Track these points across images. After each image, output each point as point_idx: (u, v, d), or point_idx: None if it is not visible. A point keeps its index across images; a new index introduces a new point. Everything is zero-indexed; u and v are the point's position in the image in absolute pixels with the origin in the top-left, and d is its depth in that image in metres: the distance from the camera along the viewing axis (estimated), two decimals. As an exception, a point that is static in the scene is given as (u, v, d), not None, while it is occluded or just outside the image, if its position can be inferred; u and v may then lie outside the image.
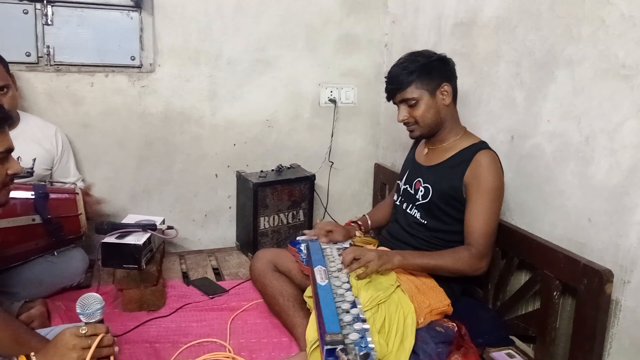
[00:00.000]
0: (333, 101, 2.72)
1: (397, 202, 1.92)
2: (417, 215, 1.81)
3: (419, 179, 1.83)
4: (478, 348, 1.63)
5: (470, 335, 1.65)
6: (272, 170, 2.54)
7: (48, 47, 2.35)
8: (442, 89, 1.72)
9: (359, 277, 1.55)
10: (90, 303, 1.14)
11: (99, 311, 1.15)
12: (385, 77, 1.79)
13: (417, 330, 1.55)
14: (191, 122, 2.52)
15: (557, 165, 1.67)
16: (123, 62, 2.45)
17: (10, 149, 1.16)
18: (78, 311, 1.15)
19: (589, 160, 1.55)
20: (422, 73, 1.70)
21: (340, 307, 1.35)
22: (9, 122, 1.15)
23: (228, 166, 2.61)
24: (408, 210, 1.85)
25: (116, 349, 1.17)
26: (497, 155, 1.69)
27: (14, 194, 1.79)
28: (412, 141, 2.02)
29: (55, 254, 1.94)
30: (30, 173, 2.04)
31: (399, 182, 1.97)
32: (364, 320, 1.33)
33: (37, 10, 2.31)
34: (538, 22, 1.72)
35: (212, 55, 2.50)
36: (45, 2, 2.32)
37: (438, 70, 1.73)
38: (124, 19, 2.44)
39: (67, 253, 1.98)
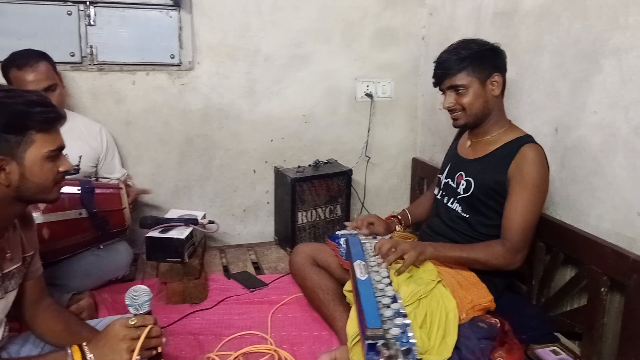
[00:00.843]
0: (370, 95, 2.71)
1: (438, 196, 1.90)
2: (459, 209, 1.78)
3: (461, 172, 1.80)
4: (522, 344, 1.60)
5: (514, 331, 1.62)
6: (310, 165, 2.56)
7: (91, 47, 2.42)
8: (492, 79, 1.69)
9: (398, 272, 1.54)
10: (139, 295, 1.17)
11: (147, 303, 1.18)
12: (434, 62, 1.76)
13: (460, 325, 1.53)
14: (230, 119, 2.56)
15: (604, 157, 1.62)
16: (163, 60, 2.50)
17: (62, 147, 1.20)
18: (127, 303, 1.18)
19: (638, 151, 1.50)
20: (475, 60, 1.67)
21: (380, 301, 1.35)
22: (62, 121, 1.18)
23: (266, 162, 2.63)
24: (449, 204, 1.82)
25: (164, 339, 1.20)
26: (542, 150, 1.65)
27: (62, 189, 1.87)
28: (451, 135, 1.99)
29: (102, 247, 2.00)
30: (76, 170, 2.11)
31: (439, 175, 1.94)
32: (404, 315, 1.32)
33: (80, 12, 2.38)
34: (583, 10, 1.67)
35: (250, 52, 2.52)
36: (87, 3, 2.38)
37: (490, 60, 1.69)
38: (164, 18, 2.48)
39: (112, 246, 2.04)
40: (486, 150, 1.75)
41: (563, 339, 1.70)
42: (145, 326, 1.14)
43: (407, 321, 1.29)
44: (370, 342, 1.16)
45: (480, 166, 1.74)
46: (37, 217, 1.77)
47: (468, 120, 1.74)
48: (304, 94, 2.63)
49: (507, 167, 1.65)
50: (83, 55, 2.41)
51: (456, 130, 1.96)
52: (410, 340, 1.22)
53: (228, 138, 2.57)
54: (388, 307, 1.33)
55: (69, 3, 2.37)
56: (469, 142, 1.84)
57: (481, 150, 1.77)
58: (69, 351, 1.11)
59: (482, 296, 1.66)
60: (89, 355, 1.12)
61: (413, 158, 2.82)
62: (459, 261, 1.65)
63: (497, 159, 1.70)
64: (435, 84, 1.77)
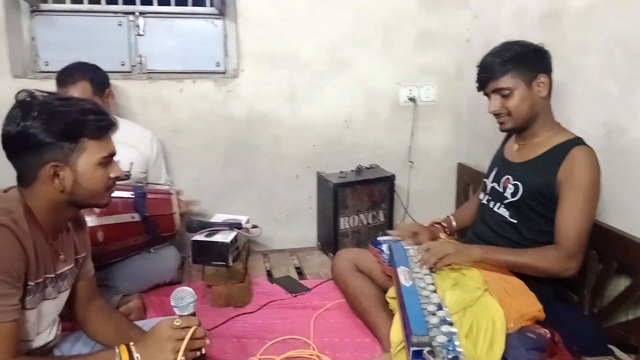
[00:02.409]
0: (412, 100, 2.68)
1: (484, 201, 1.86)
2: (506, 214, 1.74)
3: (508, 176, 1.76)
4: (573, 356, 1.55)
5: (565, 342, 1.56)
6: (352, 170, 2.55)
7: (140, 56, 2.51)
8: (538, 80, 1.64)
9: (433, 268, 1.53)
10: (184, 296, 1.20)
11: (191, 304, 1.21)
12: (477, 66, 1.73)
13: (507, 335, 1.49)
14: (272, 125, 2.59)
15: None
16: (208, 68, 2.57)
17: (113, 154, 1.25)
18: (172, 304, 1.20)
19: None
20: (519, 62, 1.63)
21: (426, 309, 1.33)
22: (113, 128, 1.23)
23: (308, 167, 2.65)
24: (496, 209, 1.78)
25: (207, 341, 1.22)
26: (593, 152, 1.59)
27: (116, 193, 1.91)
28: (497, 139, 1.95)
29: (151, 250, 2.07)
30: (127, 176, 2.19)
31: (485, 180, 1.90)
32: (450, 324, 1.30)
33: (130, 22, 2.47)
34: (630, 9, 1.61)
35: (291, 58, 2.54)
36: (137, 13, 2.48)
37: (535, 61, 1.66)
38: (209, 27, 2.55)
39: (161, 251, 2.11)
40: (534, 153, 1.71)
41: (617, 352, 1.63)
42: (189, 327, 1.16)
43: (453, 329, 1.28)
44: (415, 349, 1.15)
45: (528, 170, 1.70)
46: (92, 219, 1.85)
47: (515, 124, 1.70)
48: (345, 98, 2.64)
49: (557, 171, 1.60)
50: (132, 64, 2.51)
51: (503, 134, 1.92)
52: (457, 349, 1.20)
53: (270, 144, 2.60)
54: (434, 314, 1.31)
55: (120, 14, 2.47)
56: (516, 146, 1.80)
57: (529, 153, 1.73)
58: (117, 350, 1.15)
59: (531, 305, 1.61)
60: (136, 355, 1.15)
61: (458, 163, 2.78)
62: (509, 265, 1.61)
63: (545, 162, 1.65)
64: (479, 88, 1.74)
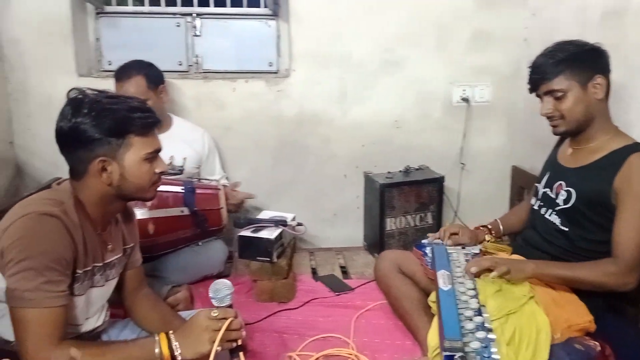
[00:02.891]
0: (466, 100, 2.62)
1: (535, 207, 1.79)
2: (557, 221, 1.67)
3: (561, 182, 1.69)
4: (626, 372, 1.47)
5: (617, 357, 1.49)
6: (400, 171, 2.53)
7: (196, 56, 2.60)
8: (594, 82, 1.56)
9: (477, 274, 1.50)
10: (221, 288, 1.23)
11: (228, 296, 1.24)
12: (529, 67, 1.67)
13: (553, 346, 1.43)
14: (322, 124, 2.61)
15: None
16: (261, 68, 2.62)
17: (159, 150, 1.30)
18: (210, 295, 1.24)
19: None
20: (573, 63, 1.56)
21: (463, 313, 1.30)
22: (158, 125, 1.29)
23: (356, 167, 2.65)
24: (547, 216, 1.71)
25: (243, 333, 1.25)
26: None
27: (167, 188, 2.02)
28: (554, 142, 1.87)
29: (200, 243, 2.14)
30: (180, 171, 2.28)
31: (537, 185, 1.83)
32: (489, 330, 1.27)
33: (187, 23, 2.57)
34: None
35: (342, 58, 2.55)
36: (194, 15, 2.57)
37: (591, 61, 1.57)
38: (263, 28, 2.61)
39: (209, 244, 2.17)
40: (589, 158, 1.62)
41: (675, 370, 1.52)
42: (226, 318, 1.20)
43: (491, 336, 1.24)
44: (448, 354, 1.12)
45: (582, 176, 1.62)
46: (144, 212, 1.94)
47: (568, 128, 1.62)
48: (396, 98, 2.62)
49: (613, 178, 1.52)
50: (189, 64, 2.61)
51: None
52: (493, 357, 1.17)
53: (320, 143, 2.63)
54: (470, 319, 1.28)
55: (178, 16, 2.57)
56: (570, 150, 1.72)
57: (584, 158, 1.64)
58: (156, 338, 1.20)
59: (580, 316, 1.54)
60: (175, 343, 1.19)
61: (513, 166, 2.69)
62: (564, 280, 1.54)
63: (601, 168, 1.57)
64: (531, 90, 1.67)
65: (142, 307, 1.46)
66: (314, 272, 2.35)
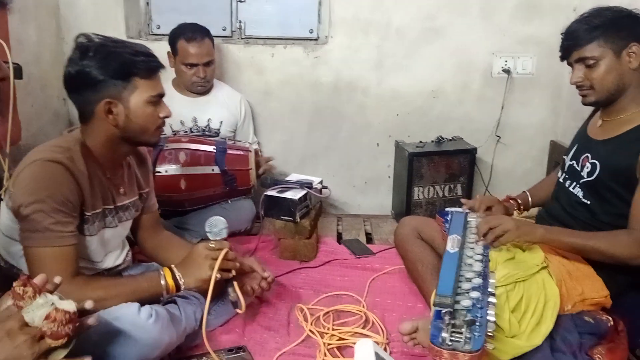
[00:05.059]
0: (507, 71, 2.55)
1: (561, 179, 1.75)
2: (580, 194, 1.62)
3: (588, 154, 1.63)
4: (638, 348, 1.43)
5: (631, 334, 1.45)
6: (432, 141, 2.51)
7: (240, 22, 2.66)
8: (630, 50, 1.48)
9: (493, 246, 1.48)
10: (217, 223, 1.36)
11: (223, 230, 1.36)
12: (561, 33, 1.61)
13: (562, 316, 1.43)
14: (358, 92, 2.62)
15: None
16: (302, 34, 2.65)
17: (162, 94, 1.36)
18: (206, 230, 1.37)
19: None
20: (608, 29, 1.49)
21: (464, 275, 1.31)
22: (161, 69, 1.35)
23: (390, 136, 2.65)
24: (571, 189, 1.67)
25: (237, 264, 1.37)
26: None
27: (200, 147, 2.13)
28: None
29: (229, 202, 2.24)
30: (217, 133, 2.38)
31: (565, 157, 1.78)
32: (492, 294, 1.27)
33: (232, -12, 2.62)
34: None
35: (382, 25, 2.53)
36: (240, -19, 2.61)
37: (628, 28, 1.49)
38: (306, -6, 2.61)
39: (238, 202, 2.26)
40: (618, 130, 1.56)
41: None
42: (222, 249, 1.32)
43: (492, 299, 1.24)
44: (437, 308, 1.15)
45: (609, 148, 1.56)
46: (176, 169, 2.06)
47: (599, 98, 1.56)
48: (435, 68, 2.58)
49: (639, 151, 1.46)
50: (233, 29, 2.67)
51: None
52: (488, 317, 1.18)
53: (355, 111, 2.64)
54: (469, 280, 1.29)
55: (223, -20, 2.62)
56: (600, 122, 1.65)
57: (613, 130, 1.58)
58: (161, 272, 1.31)
59: (596, 290, 1.51)
60: (178, 274, 1.31)
61: (551, 141, 2.60)
62: (575, 248, 1.51)
63: (629, 140, 1.51)
64: (562, 57, 1.61)
65: (164, 248, 1.56)
66: (339, 236, 2.40)
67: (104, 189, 1.36)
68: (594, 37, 1.50)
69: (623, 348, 1.39)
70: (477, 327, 1.10)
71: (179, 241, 1.63)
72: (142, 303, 1.26)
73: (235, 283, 1.40)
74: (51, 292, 0.94)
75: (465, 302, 1.17)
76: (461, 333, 1.09)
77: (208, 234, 1.36)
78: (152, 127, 1.36)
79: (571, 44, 1.56)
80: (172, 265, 1.33)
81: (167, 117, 1.38)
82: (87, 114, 1.31)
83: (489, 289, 1.29)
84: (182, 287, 1.32)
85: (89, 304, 0.96)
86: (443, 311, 1.12)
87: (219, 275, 1.31)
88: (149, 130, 1.35)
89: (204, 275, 1.31)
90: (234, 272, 1.37)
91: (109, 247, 1.43)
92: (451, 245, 1.48)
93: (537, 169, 2.67)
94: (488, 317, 1.18)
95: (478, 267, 1.37)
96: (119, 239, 1.47)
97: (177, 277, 1.31)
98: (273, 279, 1.60)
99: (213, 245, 1.33)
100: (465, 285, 1.26)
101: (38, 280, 0.94)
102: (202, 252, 1.32)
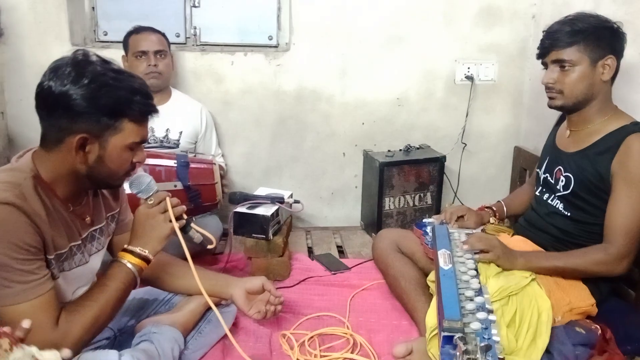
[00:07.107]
0: (470, 78, 2.56)
1: (537, 192, 1.75)
2: (560, 206, 1.63)
3: (560, 167, 1.64)
4: (626, 356, 1.43)
5: (618, 340, 1.46)
6: (400, 150, 2.47)
7: (195, 28, 2.52)
8: (605, 61, 1.50)
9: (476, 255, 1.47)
10: (140, 179, 1.26)
11: (152, 183, 1.27)
12: (543, 31, 1.60)
13: (554, 328, 1.41)
14: (322, 101, 2.54)
15: None
16: (261, 41, 2.54)
17: (144, 140, 1.20)
18: (134, 192, 1.27)
19: None
20: (590, 36, 1.49)
21: (463, 294, 1.26)
22: (154, 115, 1.19)
23: (356, 145, 2.59)
24: (550, 201, 1.67)
25: (184, 206, 1.31)
26: None
27: (160, 161, 1.97)
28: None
29: (194, 219, 2.08)
30: (176, 145, 2.23)
31: (537, 170, 1.79)
32: (490, 311, 1.23)
33: (186, -7, 2.48)
34: None
35: (344, 33, 2.47)
36: (193, -16, 2.48)
37: (608, 39, 1.51)
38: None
39: (204, 219, 2.13)
40: (587, 141, 1.57)
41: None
42: (163, 199, 1.26)
43: (492, 317, 1.20)
44: (447, 334, 1.08)
45: (579, 161, 1.57)
46: (135, 187, 1.89)
47: (565, 103, 1.56)
48: (399, 76, 2.54)
49: (611, 161, 1.48)
50: (187, 36, 2.53)
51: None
52: (494, 338, 1.13)
53: (319, 120, 2.56)
54: (471, 300, 1.24)
55: (176, -16, 2.48)
56: (568, 132, 1.66)
57: (581, 141, 1.59)
58: (122, 260, 1.23)
59: (583, 299, 1.52)
60: (138, 248, 1.23)
61: (515, 146, 2.62)
62: (555, 271, 1.52)
63: (598, 151, 1.52)
64: (539, 56, 1.60)
65: (152, 267, 1.34)
66: (310, 251, 2.31)
67: (68, 225, 1.17)
68: (574, 42, 1.50)
69: (620, 358, 1.39)
70: (493, 351, 1.05)
71: (165, 256, 1.48)
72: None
73: (192, 224, 1.35)
74: (22, 340, 0.80)
75: (475, 325, 1.12)
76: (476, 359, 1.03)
77: (139, 195, 1.27)
78: (121, 172, 1.20)
79: (551, 43, 1.55)
80: (126, 245, 1.24)
81: (139, 162, 1.22)
82: (53, 141, 1.12)
83: (487, 306, 1.25)
84: (150, 256, 1.24)
85: (65, 354, 0.82)
86: (456, 337, 1.06)
87: (177, 224, 1.25)
88: (117, 174, 1.19)
89: (164, 232, 1.25)
90: (185, 216, 1.31)
91: (81, 282, 1.26)
92: (443, 261, 1.43)
93: (501, 175, 2.70)
94: (493, 337, 1.14)
95: (475, 283, 1.33)
96: (90, 274, 1.31)
97: (139, 251, 1.23)
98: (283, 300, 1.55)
99: (152, 202, 1.25)
100: (469, 306, 1.21)
101: (9, 329, 0.79)
102: (148, 213, 1.24)
